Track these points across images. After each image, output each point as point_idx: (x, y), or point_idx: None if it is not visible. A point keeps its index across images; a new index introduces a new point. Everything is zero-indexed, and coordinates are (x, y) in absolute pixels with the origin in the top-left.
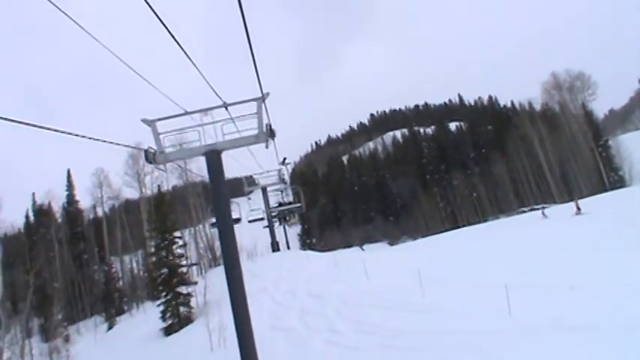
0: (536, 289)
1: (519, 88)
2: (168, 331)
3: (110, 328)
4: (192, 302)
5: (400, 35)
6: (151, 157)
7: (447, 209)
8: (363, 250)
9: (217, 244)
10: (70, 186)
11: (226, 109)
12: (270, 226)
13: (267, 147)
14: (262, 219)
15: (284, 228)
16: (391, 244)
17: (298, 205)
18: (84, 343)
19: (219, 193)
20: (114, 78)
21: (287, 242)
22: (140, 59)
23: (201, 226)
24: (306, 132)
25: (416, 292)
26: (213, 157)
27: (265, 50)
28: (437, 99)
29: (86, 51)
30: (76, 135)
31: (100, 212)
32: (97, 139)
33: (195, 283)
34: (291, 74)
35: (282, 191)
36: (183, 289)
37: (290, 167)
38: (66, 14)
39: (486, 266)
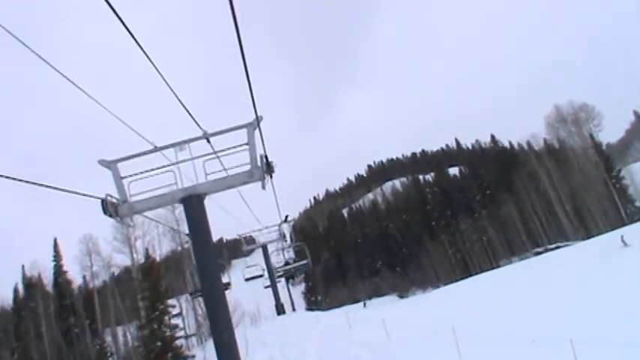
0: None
1: (519, 126)
2: None
3: None
4: None
5: (395, 83)
6: (110, 209)
7: (456, 256)
8: (364, 306)
9: None
10: (57, 256)
11: (208, 141)
12: (274, 287)
13: (263, 187)
14: (261, 276)
15: (288, 288)
16: (401, 296)
17: (305, 262)
18: None
19: (202, 246)
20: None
21: (292, 303)
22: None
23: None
24: (303, 188)
25: (451, 354)
26: (194, 203)
27: (261, 105)
28: (434, 145)
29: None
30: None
31: (90, 282)
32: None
33: (193, 356)
34: (288, 128)
35: (283, 249)
36: None
37: (290, 224)
38: None
39: (536, 316)
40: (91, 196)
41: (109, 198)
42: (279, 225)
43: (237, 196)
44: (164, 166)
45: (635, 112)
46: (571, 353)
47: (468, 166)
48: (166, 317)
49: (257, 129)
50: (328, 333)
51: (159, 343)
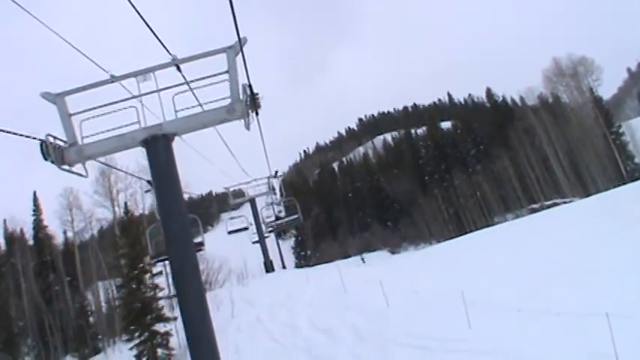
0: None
1: (516, 80)
2: None
3: None
4: (173, 342)
5: (386, 36)
6: (52, 153)
7: (449, 211)
8: (363, 261)
9: (204, 266)
10: (36, 210)
11: (178, 68)
12: (262, 243)
13: (247, 127)
14: (246, 229)
15: (277, 243)
16: (393, 252)
17: (296, 217)
18: None
19: (168, 198)
20: None
21: (282, 260)
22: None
23: None
24: (293, 141)
25: (459, 322)
26: (159, 145)
27: (252, 56)
28: (426, 99)
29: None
30: None
31: (70, 238)
32: None
33: (175, 318)
34: (277, 82)
35: (272, 203)
36: (160, 327)
37: (280, 179)
38: None
39: (547, 282)
40: (27, 137)
41: (50, 139)
42: (269, 178)
43: (219, 142)
44: (123, 100)
45: (629, 69)
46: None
47: (461, 121)
48: (146, 276)
49: (240, 54)
50: (320, 295)
51: (138, 305)
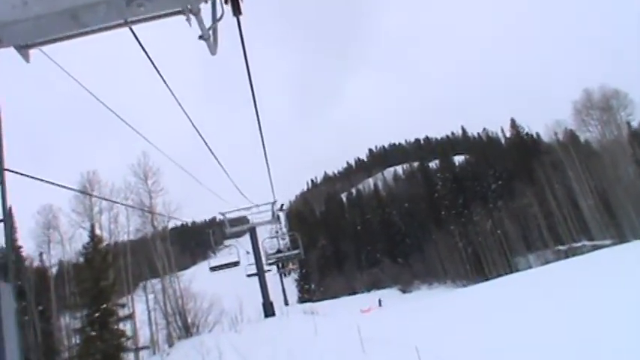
0: None
1: (537, 113)
2: None
3: None
4: None
5: (398, 67)
6: None
7: (467, 249)
8: (380, 304)
9: (192, 305)
10: (11, 229)
11: None
12: (262, 278)
13: (212, 50)
14: (236, 264)
15: (280, 277)
16: (404, 291)
17: (297, 251)
18: None
19: None
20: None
21: (285, 295)
22: None
23: (171, 279)
24: (301, 170)
25: None
26: None
27: (263, 86)
28: (438, 132)
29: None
30: None
31: (46, 261)
32: None
33: None
34: (287, 110)
35: (277, 232)
36: None
37: (285, 212)
38: None
39: None
40: None
41: None
42: (272, 204)
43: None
44: None
45: None
46: None
47: (476, 155)
48: (111, 319)
49: None
50: (332, 354)
51: (97, 357)
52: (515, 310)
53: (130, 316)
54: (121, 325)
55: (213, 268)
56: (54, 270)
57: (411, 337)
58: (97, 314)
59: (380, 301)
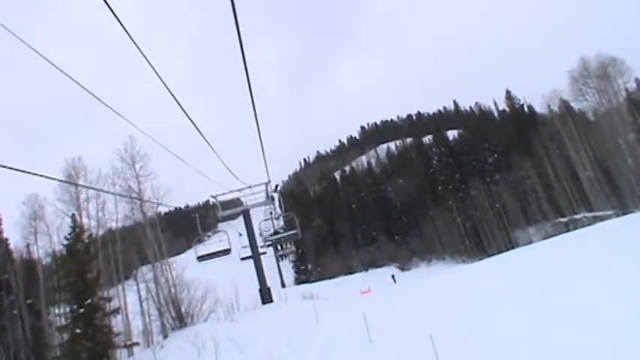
0: None
1: (533, 85)
2: None
3: None
4: None
5: (389, 44)
6: None
7: (465, 224)
8: (394, 280)
9: (185, 293)
10: None
11: None
12: (257, 263)
13: None
14: (227, 252)
15: (277, 259)
16: (402, 268)
17: (294, 232)
18: None
19: None
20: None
21: (281, 278)
22: None
23: (162, 266)
24: (293, 150)
25: None
26: None
27: (254, 65)
28: (430, 108)
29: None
30: None
31: (33, 253)
32: None
33: None
34: (278, 89)
35: (272, 214)
36: None
37: (280, 193)
38: None
39: None
40: None
41: None
42: (267, 184)
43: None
44: None
45: None
46: None
47: (471, 128)
48: (97, 315)
49: None
50: (337, 345)
51: (83, 357)
52: (540, 288)
53: (117, 311)
54: (112, 319)
55: (200, 258)
56: (42, 262)
57: (422, 324)
58: (81, 310)
59: (393, 276)
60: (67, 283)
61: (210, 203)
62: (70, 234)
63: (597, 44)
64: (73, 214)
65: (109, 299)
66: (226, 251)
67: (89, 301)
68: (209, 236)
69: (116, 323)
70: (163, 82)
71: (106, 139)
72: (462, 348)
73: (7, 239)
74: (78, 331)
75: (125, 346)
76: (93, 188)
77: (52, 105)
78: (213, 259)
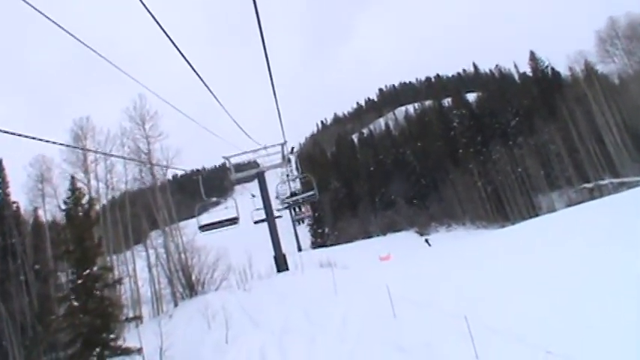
0: None
1: (555, 46)
2: None
3: None
4: None
5: (410, 5)
6: None
7: (486, 188)
8: (429, 244)
9: (196, 260)
10: (2, 182)
11: None
12: (272, 227)
13: None
14: (235, 221)
15: (293, 224)
16: (421, 233)
17: (312, 192)
18: None
19: None
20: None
21: (298, 242)
22: None
23: (173, 231)
24: (310, 112)
25: None
26: None
27: (270, 27)
28: (449, 70)
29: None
30: None
31: (41, 216)
32: None
33: (139, 350)
34: (296, 51)
35: (288, 178)
36: None
37: (296, 155)
38: None
39: None
40: None
41: None
42: (282, 145)
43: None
44: None
45: None
46: None
47: (491, 91)
48: (97, 285)
49: None
50: (357, 319)
51: (83, 330)
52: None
53: (120, 281)
54: (117, 288)
55: (203, 228)
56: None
57: (451, 298)
58: (79, 280)
59: (427, 240)
60: (65, 251)
61: (227, 166)
62: (68, 197)
63: (627, 3)
64: (72, 176)
65: (110, 269)
66: (234, 220)
67: (88, 271)
68: (219, 202)
69: (124, 291)
70: (165, 32)
71: (114, 98)
72: (499, 329)
73: (16, 202)
74: (76, 303)
75: (127, 320)
76: (96, 152)
77: (64, 67)
78: (218, 229)
